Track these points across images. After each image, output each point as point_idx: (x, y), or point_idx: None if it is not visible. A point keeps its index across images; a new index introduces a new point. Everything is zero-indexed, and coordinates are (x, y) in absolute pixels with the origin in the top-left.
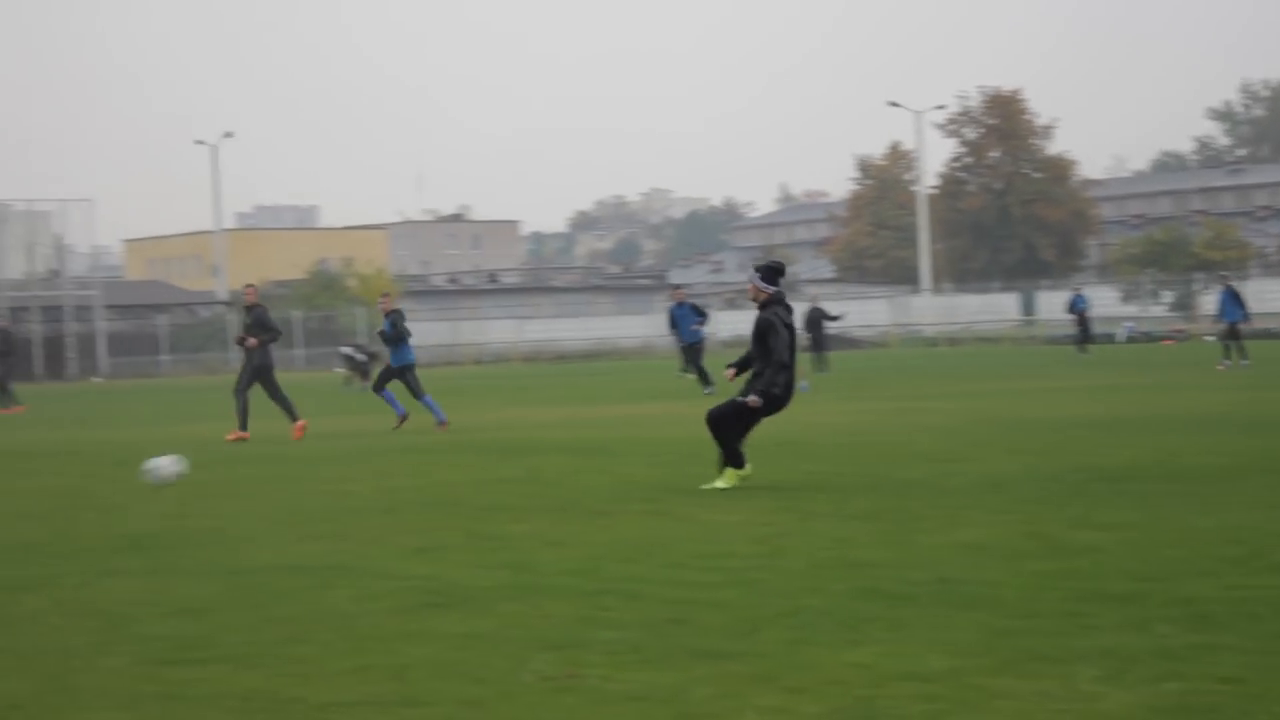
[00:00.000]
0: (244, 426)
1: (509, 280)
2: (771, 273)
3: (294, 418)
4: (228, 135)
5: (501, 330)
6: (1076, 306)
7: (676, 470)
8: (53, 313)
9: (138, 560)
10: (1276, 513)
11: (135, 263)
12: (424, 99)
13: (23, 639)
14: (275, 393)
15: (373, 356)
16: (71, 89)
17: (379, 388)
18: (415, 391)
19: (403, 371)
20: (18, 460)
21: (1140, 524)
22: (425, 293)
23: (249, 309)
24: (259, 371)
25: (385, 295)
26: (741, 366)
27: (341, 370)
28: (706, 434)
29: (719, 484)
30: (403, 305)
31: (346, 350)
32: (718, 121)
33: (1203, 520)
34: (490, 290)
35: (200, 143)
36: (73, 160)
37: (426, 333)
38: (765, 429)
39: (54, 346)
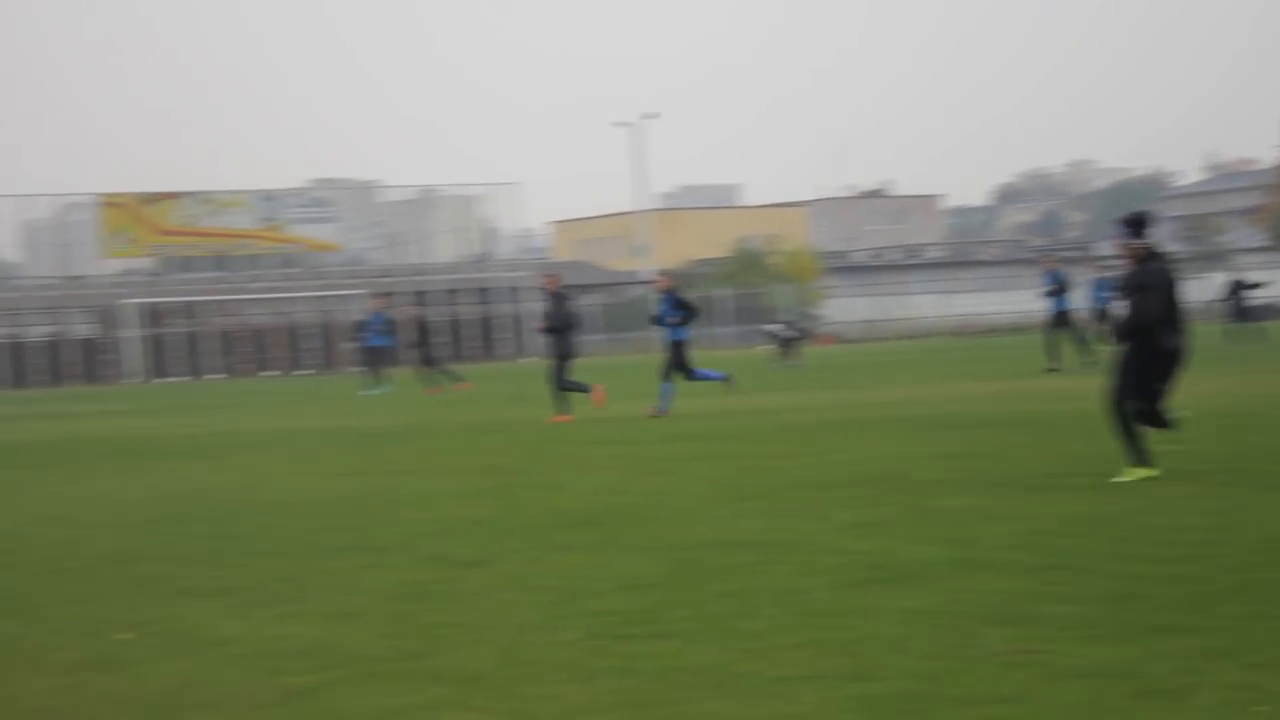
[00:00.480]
0: (565, 409)
1: (932, 255)
2: (1138, 225)
3: (562, 411)
4: (650, 116)
5: (925, 305)
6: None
7: (1108, 444)
8: (483, 294)
9: (581, 536)
10: None
11: (562, 244)
12: (838, 79)
13: (475, 613)
14: (562, 383)
15: (801, 334)
16: (501, 77)
17: (688, 375)
18: (669, 371)
19: (675, 348)
20: (456, 439)
21: None
22: (847, 269)
23: (551, 297)
24: (560, 359)
25: (663, 274)
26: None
27: (767, 347)
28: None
29: (1124, 478)
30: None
31: (773, 328)
32: (1143, 90)
33: None
34: (913, 265)
35: (622, 125)
36: (499, 145)
37: (849, 309)
38: (1206, 402)
39: (485, 327)
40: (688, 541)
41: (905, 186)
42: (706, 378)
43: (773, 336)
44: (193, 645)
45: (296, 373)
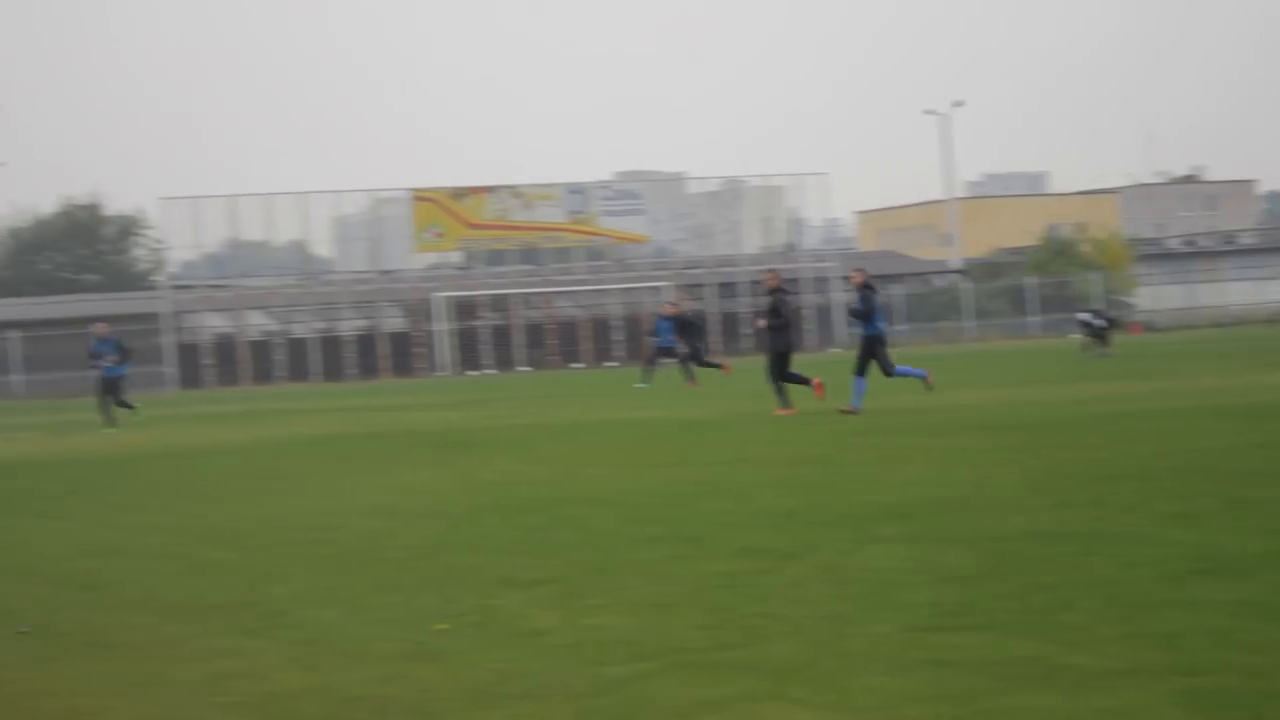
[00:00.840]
0: (787, 404)
1: (1246, 241)
2: None
3: (785, 405)
4: (958, 104)
5: (1239, 292)
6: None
7: None
8: (790, 285)
9: (894, 527)
10: None
11: (868, 234)
12: (1148, 63)
13: (790, 605)
14: (782, 374)
15: (1112, 322)
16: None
17: (887, 371)
18: (862, 366)
19: (870, 344)
20: (760, 429)
21: None
22: (1159, 256)
23: (770, 292)
24: (776, 356)
25: (857, 270)
26: None
27: (1079, 336)
28: None
29: None
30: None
31: (1084, 316)
32: None
33: None
34: (1226, 252)
35: (930, 113)
36: (807, 136)
37: (1160, 296)
38: None
39: (795, 318)
40: (1004, 533)
41: (1218, 172)
42: (907, 374)
43: (1084, 325)
44: (509, 636)
45: (604, 365)
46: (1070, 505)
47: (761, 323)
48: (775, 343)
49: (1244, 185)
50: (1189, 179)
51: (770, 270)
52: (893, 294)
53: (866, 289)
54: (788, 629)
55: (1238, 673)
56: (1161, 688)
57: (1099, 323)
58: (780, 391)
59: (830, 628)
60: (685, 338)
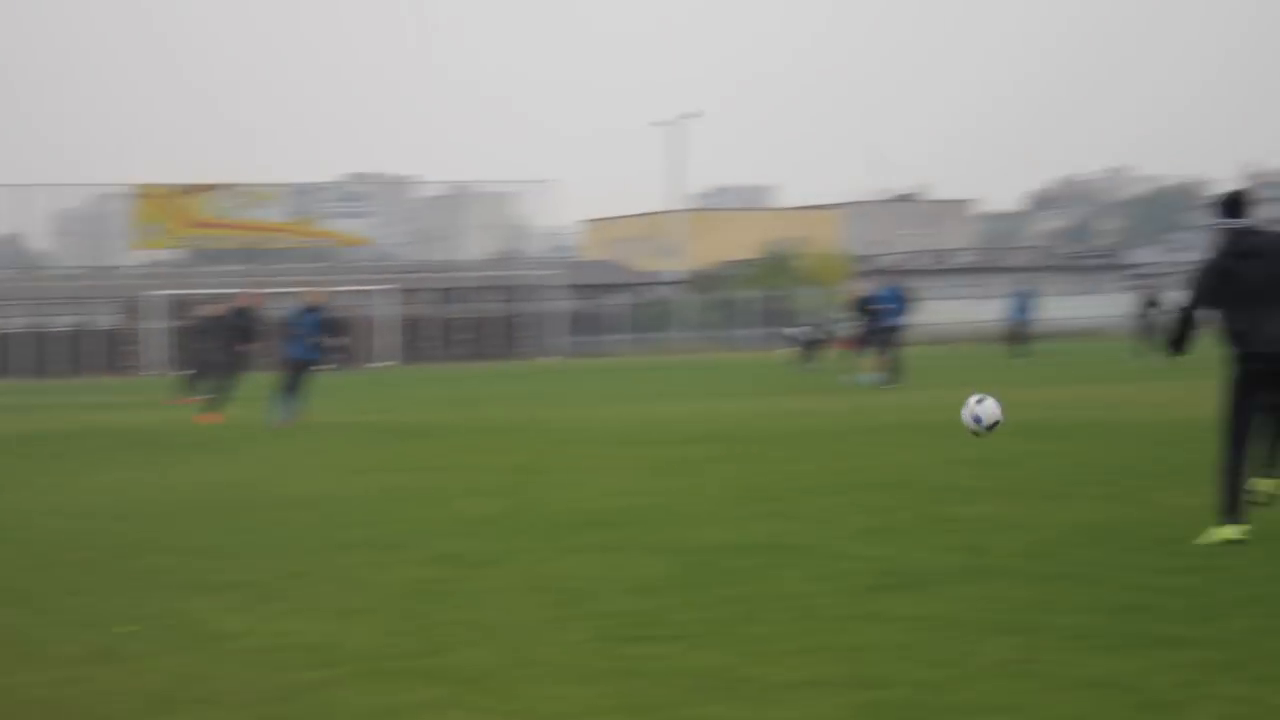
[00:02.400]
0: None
1: (961, 260)
2: (1228, 205)
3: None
4: (689, 116)
5: (953, 310)
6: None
7: (1136, 453)
8: (509, 293)
9: (593, 536)
10: None
11: (593, 243)
12: (877, 79)
13: (483, 613)
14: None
15: (825, 337)
16: (546, 71)
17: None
18: (285, 386)
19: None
20: (471, 437)
21: None
22: (876, 272)
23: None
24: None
25: (311, 291)
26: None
27: (787, 349)
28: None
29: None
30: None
31: (794, 331)
32: (1179, 97)
33: None
34: (942, 270)
35: (659, 124)
36: (538, 143)
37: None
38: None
39: (509, 326)
40: (699, 544)
41: (939, 191)
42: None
43: (794, 340)
44: (196, 640)
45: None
46: (766, 518)
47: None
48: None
49: (962, 204)
50: (909, 197)
51: (315, 289)
52: (612, 304)
53: (311, 312)
54: (478, 636)
55: (914, 686)
56: (841, 700)
57: (810, 338)
58: (278, 402)
59: (520, 636)
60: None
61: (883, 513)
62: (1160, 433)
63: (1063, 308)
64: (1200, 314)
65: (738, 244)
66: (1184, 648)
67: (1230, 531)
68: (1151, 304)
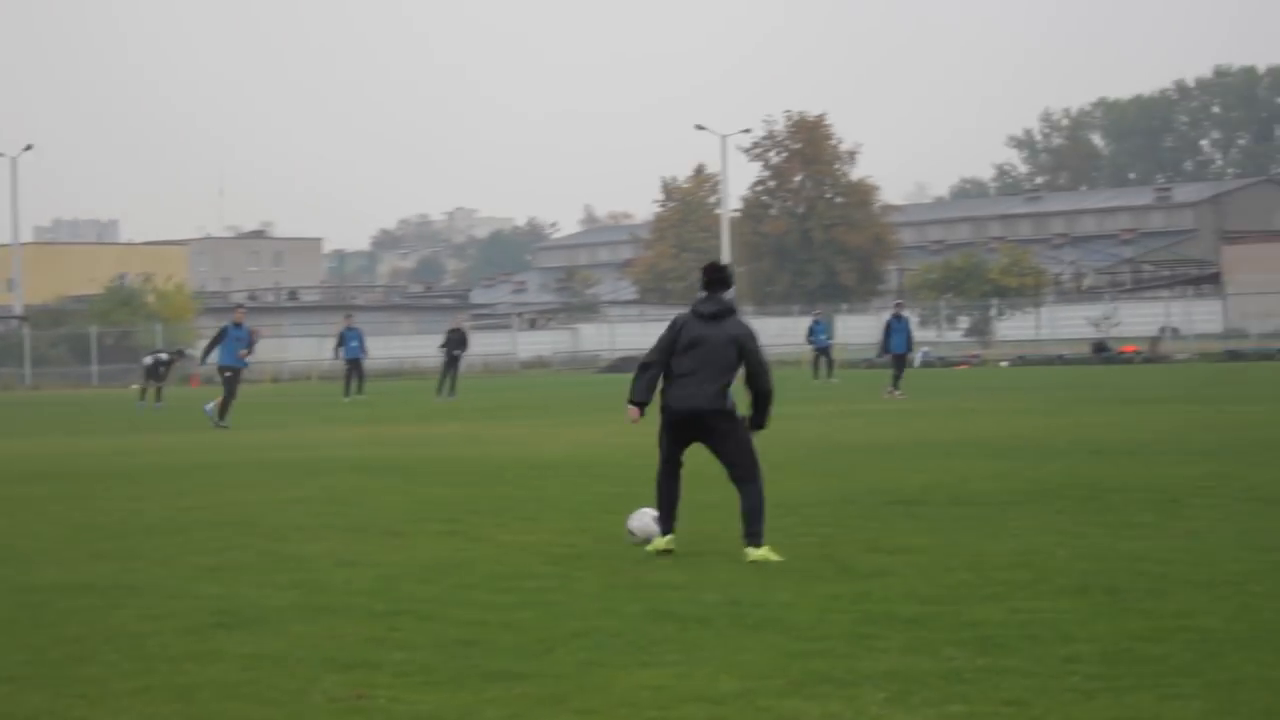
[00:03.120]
0: None
1: (309, 298)
2: (704, 274)
3: None
4: (28, 148)
5: (301, 348)
6: (816, 338)
7: (475, 490)
8: None
9: None
10: (1062, 537)
11: None
12: (226, 114)
13: None
14: None
15: (168, 372)
16: None
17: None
18: None
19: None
20: None
21: (931, 548)
22: (225, 309)
23: None
24: None
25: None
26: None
27: (139, 384)
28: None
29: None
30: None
31: (149, 360)
32: (524, 141)
33: (991, 544)
34: (290, 308)
35: None
36: None
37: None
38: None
39: None
40: (35, 584)
41: (287, 229)
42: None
43: (148, 369)
44: None
45: None
46: (104, 557)
47: None
48: None
49: (311, 243)
50: (257, 234)
51: None
52: None
53: None
54: None
55: None
56: None
57: (153, 374)
58: None
59: None
60: None
61: (224, 552)
62: (497, 471)
63: (411, 347)
64: (657, 367)
65: (83, 279)
66: (513, 681)
67: (661, 542)
68: (453, 342)
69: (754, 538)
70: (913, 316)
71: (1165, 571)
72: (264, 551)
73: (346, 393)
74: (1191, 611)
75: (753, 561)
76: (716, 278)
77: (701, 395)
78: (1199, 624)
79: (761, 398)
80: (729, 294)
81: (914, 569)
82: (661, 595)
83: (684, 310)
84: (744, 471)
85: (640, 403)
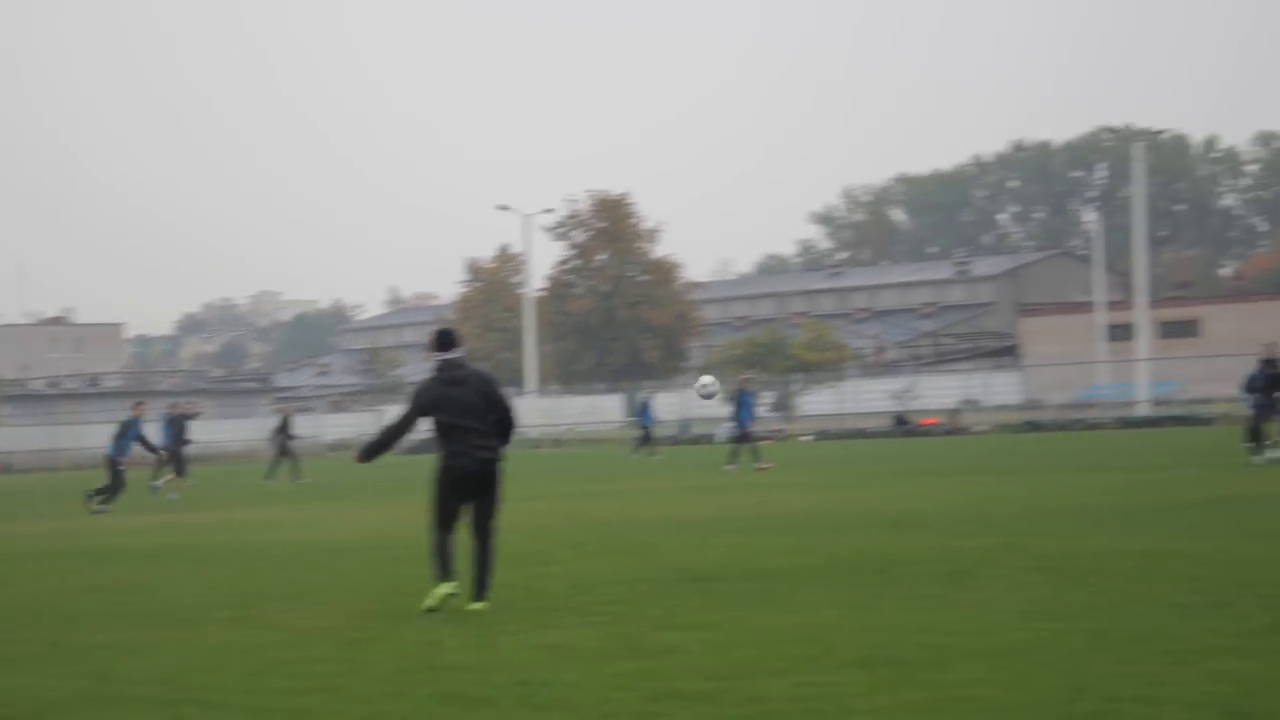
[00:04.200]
0: None
1: (111, 384)
2: (439, 340)
3: None
4: None
5: (103, 434)
6: (645, 417)
7: (269, 576)
8: None
9: None
10: (849, 611)
11: None
12: (25, 197)
13: None
14: None
15: None
16: None
17: None
18: None
19: None
20: None
21: (721, 623)
22: (24, 397)
23: None
24: None
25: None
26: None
27: None
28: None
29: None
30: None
31: None
32: (328, 223)
33: (780, 619)
34: (91, 394)
35: None
36: None
37: (24, 438)
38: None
39: None
40: None
41: (88, 314)
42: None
43: None
44: None
45: None
46: None
47: None
48: None
49: (112, 328)
50: (57, 320)
51: None
52: None
53: None
54: None
55: None
56: None
57: None
58: None
59: None
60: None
61: (12, 644)
62: (295, 556)
63: (214, 431)
64: (406, 429)
65: None
66: None
67: (446, 587)
68: (283, 428)
69: (486, 591)
70: (720, 393)
71: (949, 643)
72: (54, 642)
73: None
74: (972, 682)
75: (475, 611)
76: (448, 341)
77: (479, 452)
78: (979, 694)
79: (506, 437)
80: (460, 353)
81: (703, 645)
82: (451, 677)
83: (428, 378)
84: (494, 524)
85: (370, 460)
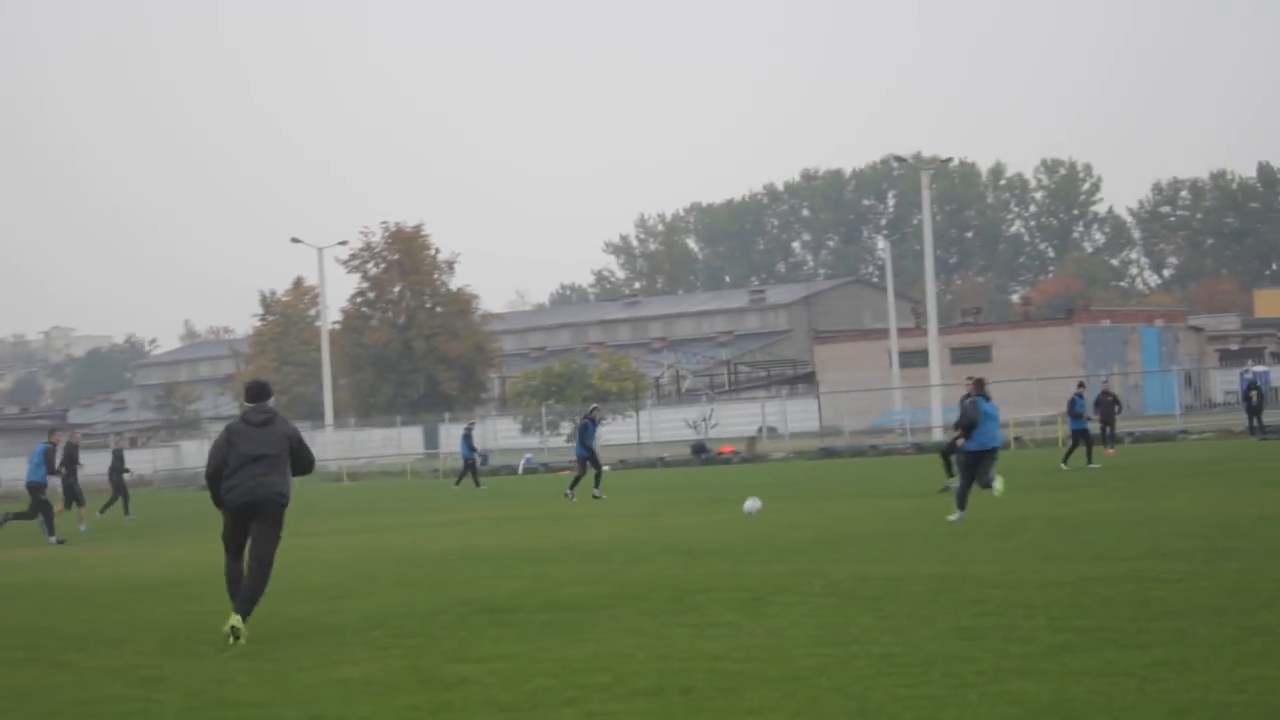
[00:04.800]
0: None
1: None
2: (251, 390)
3: None
4: None
5: None
6: (464, 450)
7: (62, 615)
8: None
9: None
10: (643, 639)
11: None
12: None
13: None
14: None
15: None
16: None
17: None
18: None
19: None
20: None
21: (517, 654)
22: None
23: None
24: None
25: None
26: None
27: None
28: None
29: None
30: None
31: None
32: (122, 257)
33: (575, 649)
34: None
35: None
36: None
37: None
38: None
39: None
40: None
41: None
42: None
43: None
44: None
45: None
46: None
47: None
48: None
49: None
50: None
51: None
52: None
53: None
54: None
55: None
56: None
57: None
58: None
59: None
60: None
61: None
62: (89, 594)
63: (7, 470)
64: (223, 464)
65: None
66: None
67: (236, 619)
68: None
69: (250, 610)
70: (514, 424)
71: (741, 669)
72: None
73: None
74: (762, 708)
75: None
76: (260, 392)
77: (264, 487)
78: None
79: (306, 472)
80: (270, 403)
81: (497, 677)
82: (242, 714)
83: (237, 421)
84: (273, 552)
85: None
